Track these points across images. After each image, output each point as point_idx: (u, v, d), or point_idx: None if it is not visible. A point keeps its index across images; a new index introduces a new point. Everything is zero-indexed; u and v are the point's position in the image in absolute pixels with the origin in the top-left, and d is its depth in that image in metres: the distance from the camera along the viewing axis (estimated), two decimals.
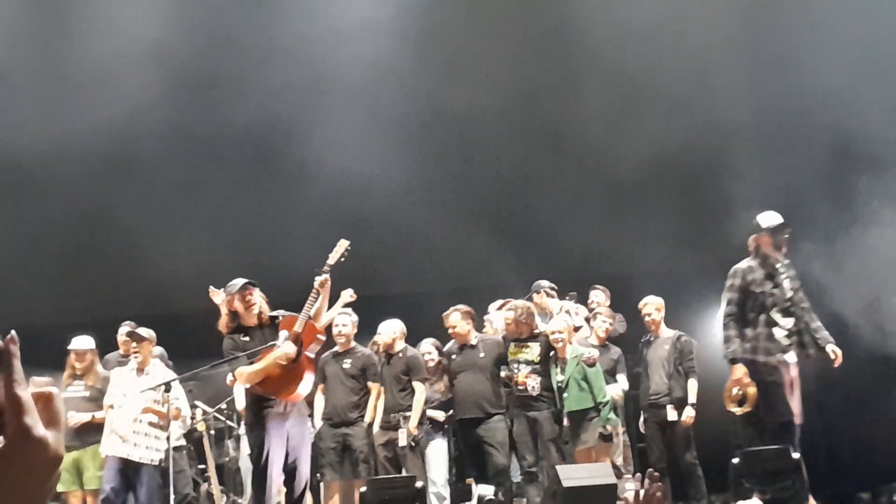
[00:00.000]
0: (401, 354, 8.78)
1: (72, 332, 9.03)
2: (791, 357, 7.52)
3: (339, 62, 11.77)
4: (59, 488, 8.65)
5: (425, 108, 11.93)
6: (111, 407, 8.27)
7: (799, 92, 10.48)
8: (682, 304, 9.99)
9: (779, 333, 7.44)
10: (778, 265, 7.57)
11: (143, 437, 8.15)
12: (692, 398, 8.90)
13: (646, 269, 10.88)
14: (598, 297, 9.82)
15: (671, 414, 8.95)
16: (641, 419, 9.31)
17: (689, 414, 8.88)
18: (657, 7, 11.37)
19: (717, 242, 9.48)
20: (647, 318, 9.25)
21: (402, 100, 11.98)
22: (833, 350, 7.43)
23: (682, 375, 9.01)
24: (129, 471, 8.10)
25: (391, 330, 8.87)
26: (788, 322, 7.47)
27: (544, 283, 9.53)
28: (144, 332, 8.46)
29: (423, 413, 8.63)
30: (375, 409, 8.62)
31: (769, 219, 7.60)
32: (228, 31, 12.09)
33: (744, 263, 7.60)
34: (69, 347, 8.83)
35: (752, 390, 7.33)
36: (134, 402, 8.14)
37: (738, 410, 7.46)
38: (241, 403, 8.26)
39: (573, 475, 7.13)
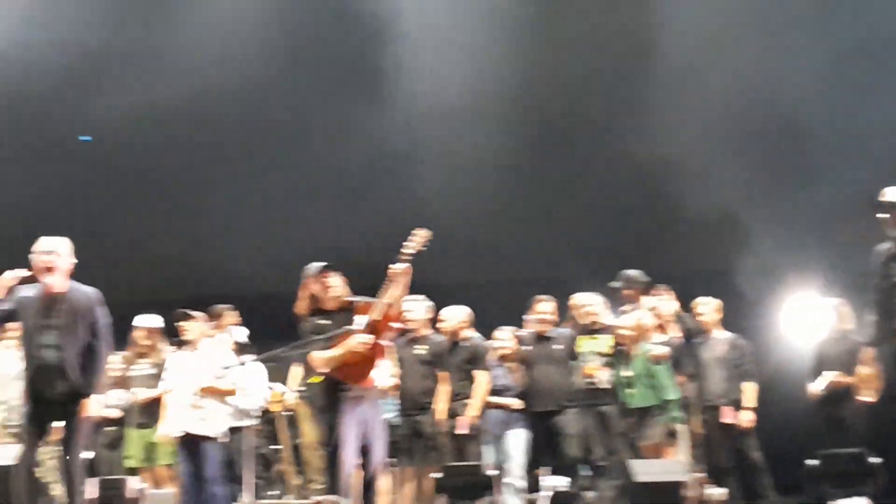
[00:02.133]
0: (467, 342, 8.82)
1: (140, 310, 9.24)
2: None
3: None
4: (131, 464, 8.87)
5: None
6: (168, 390, 8.44)
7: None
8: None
9: None
10: None
11: (203, 411, 8.30)
12: (751, 401, 8.81)
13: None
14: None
15: (728, 416, 8.86)
16: (700, 420, 9.16)
17: (747, 417, 8.79)
18: None
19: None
20: (700, 318, 9.13)
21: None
22: None
23: (738, 377, 8.91)
24: (193, 447, 8.27)
25: (457, 317, 8.89)
26: None
27: (633, 273, 9.43)
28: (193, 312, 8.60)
29: (485, 402, 8.66)
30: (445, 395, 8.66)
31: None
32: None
33: (885, 244, 7.04)
34: (135, 325, 9.02)
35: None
36: (191, 380, 8.32)
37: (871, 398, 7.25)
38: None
39: (645, 470, 7.11)
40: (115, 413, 9.25)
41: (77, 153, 12.64)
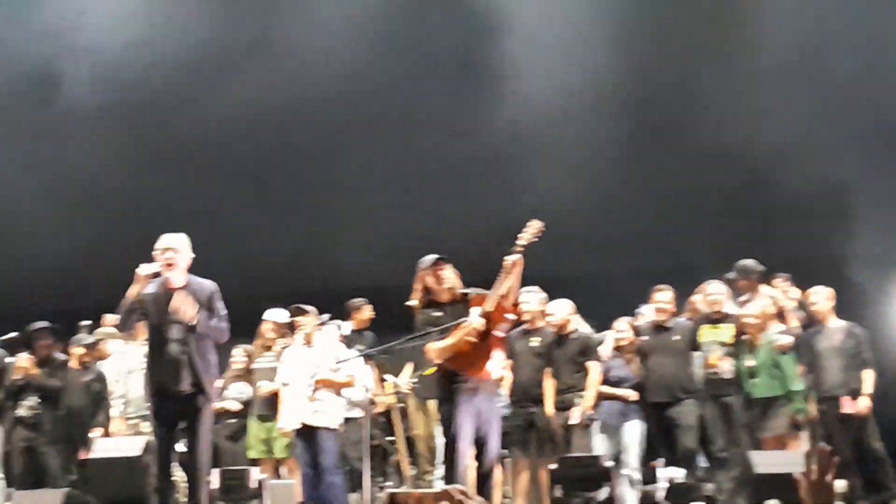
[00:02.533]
0: (574, 335, 8.77)
1: (265, 304, 9.43)
2: None
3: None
4: (252, 455, 9.07)
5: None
6: (284, 384, 8.59)
7: None
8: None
9: None
10: None
11: (319, 403, 8.43)
12: (868, 388, 8.57)
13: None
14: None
15: (848, 406, 8.62)
16: (816, 411, 8.91)
17: (865, 404, 8.55)
18: None
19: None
20: (814, 308, 8.90)
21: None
22: None
23: (856, 367, 8.67)
24: (311, 438, 8.42)
25: (563, 310, 8.85)
26: None
27: (749, 263, 9.27)
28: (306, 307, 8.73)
29: (598, 393, 8.61)
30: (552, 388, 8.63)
31: None
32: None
33: None
34: (264, 318, 9.19)
35: None
36: (307, 373, 8.44)
37: None
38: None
39: (766, 462, 6.98)
40: (237, 405, 9.47)
41: (195, 151, 12.95)
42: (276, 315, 9.22)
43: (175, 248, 6.96)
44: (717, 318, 8.63)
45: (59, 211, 12.64)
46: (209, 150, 12.87)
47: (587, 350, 8.66)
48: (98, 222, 12.60)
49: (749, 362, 8.31)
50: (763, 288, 9.01)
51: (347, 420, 8.80)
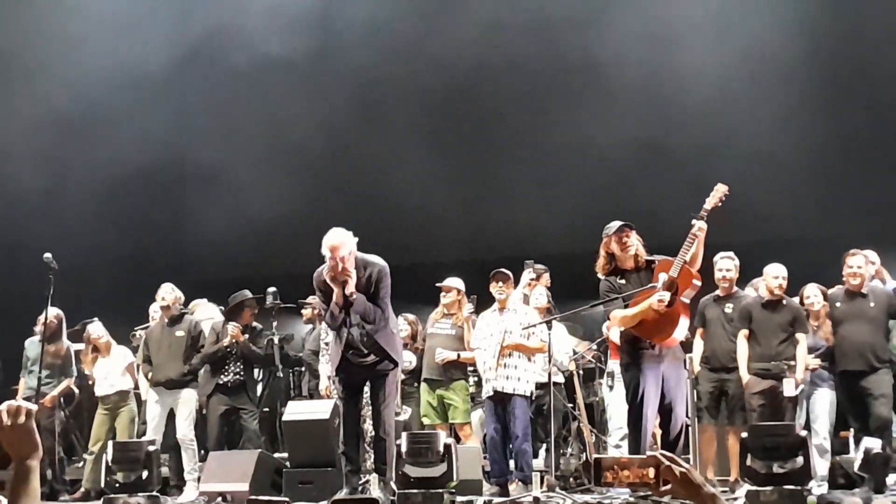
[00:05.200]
0: (786, 302, 8.44)
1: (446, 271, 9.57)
2: None
3: None
4: (426, 422, 9.21)
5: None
6: (477, 349, 8.67)
7: None
8: None
9: None
10: None
11: (512, 369, 8.46)
12: None
13: None
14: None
15: None
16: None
17: None
18: None
19: None
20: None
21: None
22: None
23: None
24: (501, 405, 8.47)
25: (780, 273, 8.52)
26: None
27: None
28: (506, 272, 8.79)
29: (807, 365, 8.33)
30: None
31: None
32: None
33: None
34: (442, 284, 9.31)
35: None
36: (499, 338, 8.49)
37: None
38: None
39: None
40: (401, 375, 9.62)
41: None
42: (455, 282, 9.31)
43: (340, 249, 7.10)
44: None
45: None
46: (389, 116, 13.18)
47: (798, 320, 8.34)
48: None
49: None
50: None
51: (542, 386, 8.78)
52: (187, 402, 9.34)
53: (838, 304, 8.47)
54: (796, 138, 11.65)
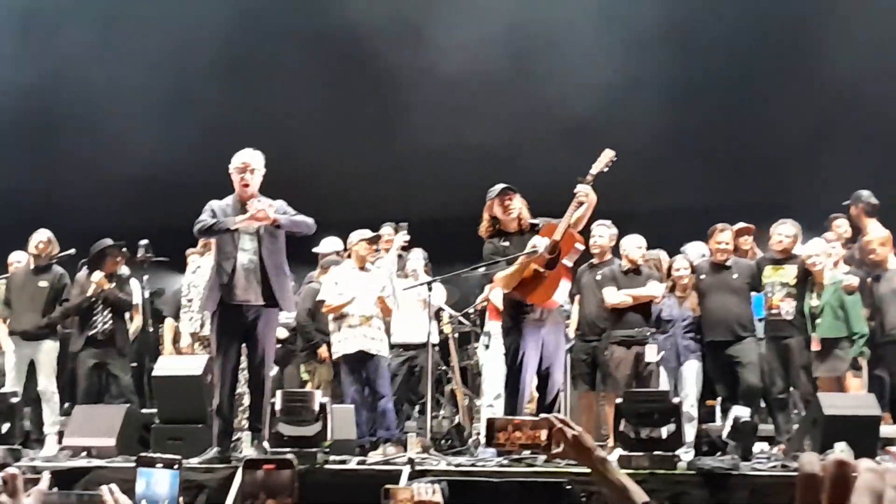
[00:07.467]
0: (643, 272, 8.61)
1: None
2: None
3: None
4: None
5: None
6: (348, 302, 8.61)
7: None
8: None
9: None
10: None
11: (375, 330, 8.54)
12: None
13: None
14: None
15: None
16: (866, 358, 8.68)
17: None
18: None
19: None
20: (871, 256, 8.69)
21: None
22: None
23: None
24: (363, 364, 8.49)
25: (639, 245, 8.68)
26: None
27: (863, 193, 9.04)
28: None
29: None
30: None
31: None
32: None
33: None
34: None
35: None
36: (365, 297, 8.49)
37: None
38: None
39: (836, 403, 6.88)
40: (284, 332, 9.47)
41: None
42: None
43: (251, 167, 6.97)
44: (780, 259, 8.47)
45: None
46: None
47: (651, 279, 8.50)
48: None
49: (814, 302, 8.15)
50: (872, 222, 8.82)
51: (412, 348, 8.78)
52: (48, 353, 9.02)
53: (703, 277, 8.66)
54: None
